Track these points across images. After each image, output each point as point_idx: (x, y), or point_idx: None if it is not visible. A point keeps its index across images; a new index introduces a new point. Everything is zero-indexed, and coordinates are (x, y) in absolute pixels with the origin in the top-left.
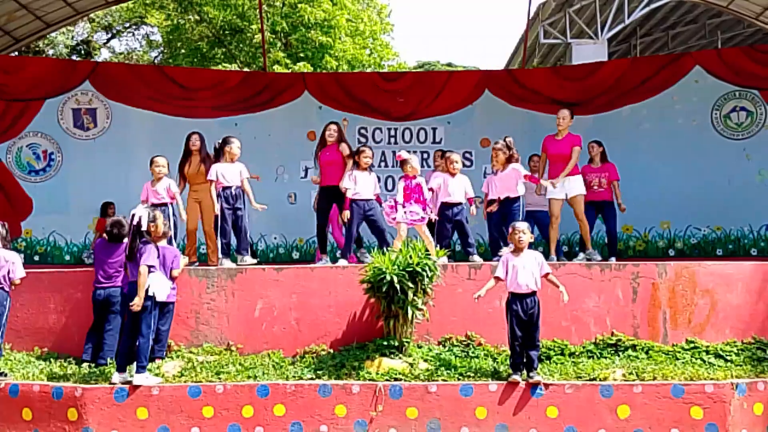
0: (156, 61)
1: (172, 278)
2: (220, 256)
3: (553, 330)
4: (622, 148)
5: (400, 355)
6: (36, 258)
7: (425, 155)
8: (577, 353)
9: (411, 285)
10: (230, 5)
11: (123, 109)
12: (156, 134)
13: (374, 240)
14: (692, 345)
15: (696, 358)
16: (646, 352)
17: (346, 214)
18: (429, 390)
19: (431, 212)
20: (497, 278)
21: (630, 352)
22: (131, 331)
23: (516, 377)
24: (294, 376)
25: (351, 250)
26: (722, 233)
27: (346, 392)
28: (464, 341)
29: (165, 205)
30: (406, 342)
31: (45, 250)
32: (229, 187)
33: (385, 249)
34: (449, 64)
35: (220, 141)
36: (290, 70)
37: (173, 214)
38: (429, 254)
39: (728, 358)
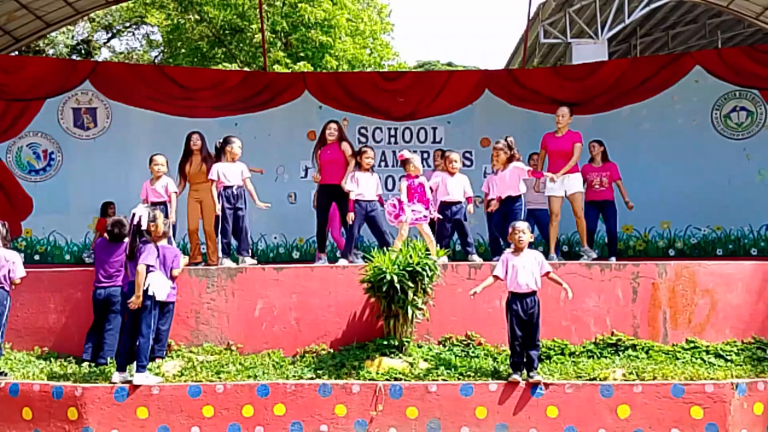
0: (156, 60)
1: (173, 278)
2: (220, 255)
3: (553, 330)
4: (622, 148)
5: (400, 355)
6: (36, 257)
7: (425, 155)
8: (577, 353)
9: (411, 285)
10: (230, 5)
11: (123, 108)
12: (156, 134)
13: (374, 240)
14: (692, 345)
15: (696, 358)
16: (646, 352)
17: (351, 216)
18: (429, 390)
19: (434, 211)
20: (496, 277)
21: (630, 351)
22: (131, 331)
23: (516, 377)
24: (294, 376)
25: (352, 250)
26: (722, 233)
27: (346, 392)
28: (464, 341)
29: (164, 203)
30: (406, 342)
31: (45, 249)
32: (231, 187)
33: (385, 249)
34: (449, 64)
35: (221, 141)
36: (290, 70)
37: (174, 214)
38: (429, 254)
39: (728, 357)
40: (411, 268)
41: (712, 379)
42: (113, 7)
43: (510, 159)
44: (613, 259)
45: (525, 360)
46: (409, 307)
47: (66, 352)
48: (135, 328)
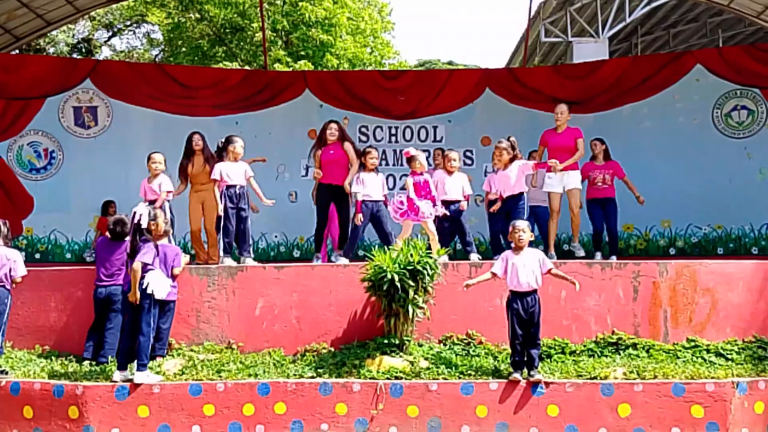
0: (157, 59)
1: (174, 276)
2: (221, 254)
3: (553, 328)
4: (623, 147)
5: (401, 354)
6: (37, 256)
7: (426, 154)
8: (577, 352)
9: (412, 283)
10: (231, 3)
11: (124, 107)
12: (157, 132)
13: (374, 240)
14: (693, 344)
15: (697, 357)
16: (647, 351)
17: (360, 217)
18: (430, 388)
19: (441, 208)
20: (494, 274)
21: (631, 350)
22: (132, 330)
23: (517, 376)
24: (295, 375)
25: (354, 250)
26: (723, 232)
27: (346, 391)
28: (465, 339)
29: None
30: (407, 340)
31: (46, 248)
32: (233, 186)
33: (386, 248)
34: (450, 63)
35: (223, 140)
36: (291, 69)
37: (170, 211)
38: (430, 252)
39: (729, 356)
40: (412, 267)
41: (712, 378)
42: (114, 6)
43: (512, 159)
44: (614, 257)
45: (526, 359)
46: (409, 306)
47: (67, 350)
48: (135, 326)
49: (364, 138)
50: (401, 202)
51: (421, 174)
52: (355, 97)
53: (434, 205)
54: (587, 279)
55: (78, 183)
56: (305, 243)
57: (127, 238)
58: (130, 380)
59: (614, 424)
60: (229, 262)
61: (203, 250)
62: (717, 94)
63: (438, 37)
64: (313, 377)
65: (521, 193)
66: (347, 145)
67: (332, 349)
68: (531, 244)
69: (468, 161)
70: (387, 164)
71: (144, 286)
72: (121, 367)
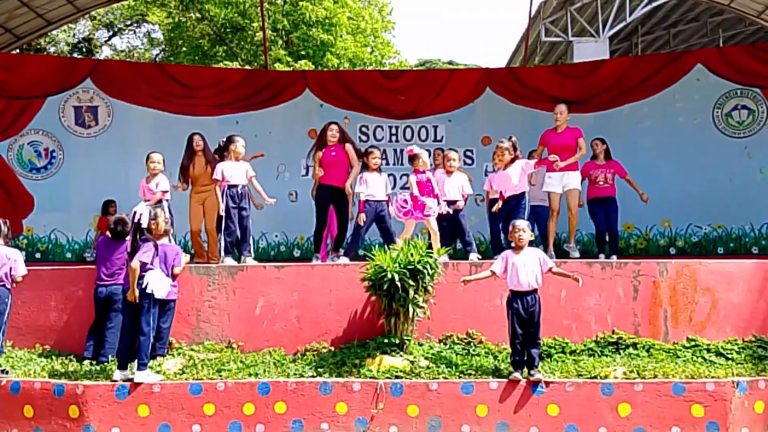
0: (157, 59)
1: (174, 276)
2: (222, 254)
3: (554, 328)
4: (623, 147)
5: (401, 353)
6: (37, 256)
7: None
8: (578, 351)
9: (412, 283)
10: (231, 3)
11: (124, 106)
12: (157, 132)
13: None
14: (693, 343)
15: (697, 357)
16: (647, 351)
17: (363, 216)
18: (430, 388)
19: (444, 205)
20: (493, 272)
21: (631, 350)
22: (131, 329)
23: (517, 375)
24: (295, 374)
25: (357, 250)
26: (723, 231)
27: (347, 390)
28: (465, 339)
29: (159, 201)
30: (407, 340)
31: (46, 247)
32: (235, 186)
33: (386, 247)
34: (450, 62)
35: (224, 140)
36: (291, 68)
37: (169, 211)
38: (431, 251)
39: (729, 356)
40: (412, 267)
41: (712, 377)
42: (114, 5)
43: (513, 160)
44: (614, 257)
45: (526, 358)
46: (410, 305)
47: (67, 350)
48: (135, 326)
49: (364, 138)
50: (405, 201)
51: (424, 172)
52: (355, 96)
53: (439, 203)
54: (587, 278)
55: (78, 182)
56: (305, 242)
57: (128, 238)
58: (131, 379)
59: (614, 423)
60: (229, 261)
61: (202, 249)
62: (717, 93)
63: (438, 37)
64: (313, 377)
65: (522, 193)
66: (348, 147)
67: (332, 349)
68: (531, 243)
69: (468, 161)
70: (387, 164)
71: (143, 286)
72: (122, 366)
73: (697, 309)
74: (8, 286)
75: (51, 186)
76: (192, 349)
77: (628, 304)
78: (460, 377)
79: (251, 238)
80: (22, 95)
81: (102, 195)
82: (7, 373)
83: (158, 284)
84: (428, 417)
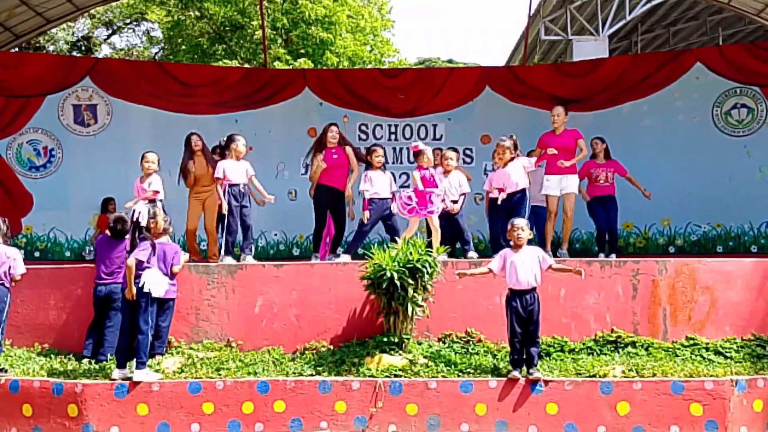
0: (156, 57)
1: (173, 274)
2: (221, 252)
3: (552, 327)
4: (622, 145)
5: (400, 352)
6: (36, 254)
7: None
8: (576, 350)
9: (411, 281)
10: (231, 1)
11: (123, 105)
12: (156, 131)
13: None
14: (692, 342)
15: (696, 355)
16: (646, 349)
17: (367, 214)
18: (429, 386)
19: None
20: (490, 269)
21: (630, 348)
22: (130, 328)
23: (516, 374)
24: (294, 373)
25: (358, 248)
26: (722, 230)
27: (346, 389)
28: (464, 338)
29: (153, 201)
30: (406, 338)
31: (45, 246)
32: (236, 185)
33: (385, 246)
34: (450, 61)
35: (225, 139)
36: (291, 67)
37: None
38: (430, 250)
39: (728, 354)
40: (411, 265)
41: (711, 376)
42: (113, 4)
43: (513, 158)
44: (613, 255)
45: (525, 357)
46: (409, 304)
47: (66, 348)
48: (133, 325)
49: (363, 136)
50: (409, 198)
51: (427, 168)
52: (354, 95)
53: (443, 200)
54: (587, 277)
55: (77, 181)
56: (304, 241)
57: (127, 236)
58: (130, 378)
59: (613, 422)
60: (229, 260)
61: (196, 248)
62: (717, 92)
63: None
64: (312, 375)
65: (524, 190)
66: (349, 150)
67: (331, 347)
68: (530, 243)
69: (468, 159)
70: (387, 162)
71: (140, 285)
72: (121, 365)
73: (696, 308)
74: (7, 285)
75: (50, 185)
76: (191, 348)
77: (627, 302)
78: (459, 376)
79: (252, 236)
80: (21, 94)
81: (101, 193)
82: (6, 371)
83: (155, 283)
84: (427, 415)
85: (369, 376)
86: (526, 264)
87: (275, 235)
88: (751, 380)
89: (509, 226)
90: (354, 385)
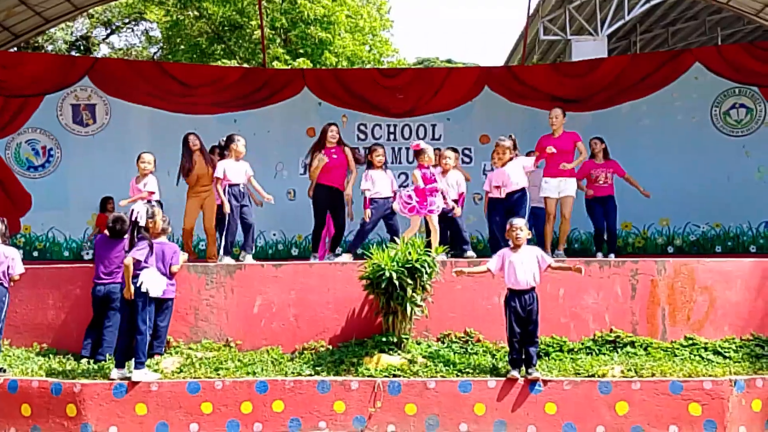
0: (155, 57)
1: (172, 274)
2: (221, 252)
3: (551, 326)
4: (621, 145)
5: (399, 352)
6: (35, 254)
7: None
8: (575, 350)
9: (410, 281)
10: (230, 1)
11: (122, 105)
12: (155, 130)
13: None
14: (691, 342)
15: (694, 355)
16: (645, 349)
17: (368, 213)
18: (428, 386)
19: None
20: (488, 269)
21: (628, 348)
22: (128, 328)
23: (515, 374)
24: (293, 373)
25: (358, 247)
26: (721, 230)
27: (344, 388)
28: (463, 337)
29: (149, 202)
30: (405, 338)
31: (44, 246)
32: (236, 185)
33: (384, 246)
34: (449, 61)
35: (224, 139)
36: (290, 67)
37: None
38: (429, 249)
39: (727, 354)
40: (410, 265)
41: (710, 375)
42: (112, 3)
43: (512, 159)
44: (612, 255)
45: (524, 357)
46: (407, 304)
47: (65, 348)
48: (132, 325)
49: (362, 136)
50: (409, 197)
51: (428, 167)
52: (353, 95)
53: (444, 200)
54: (585, 277)
55: (76, 181)
56: (303, 241)
57: (126, 236)
58: (128, 378)
59: (612, 422)
60: (228, 260)
61: (191, 248)
62: (716, 92)
63: (437, 35)
64: (311, 375)
65: (523, 188)
66: (348, 150)
67: (330, 347)
68: (529, 243)
69: (467, 159)
70: (385, 162)
71: (138, 284)
72: (119, 365)
73: (695, 307)
74: (6, 285)
75: (49, 184)
76: (190, 348)
77: (626, 302)
78: (458, 376)
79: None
80: (20, 93)
81: (100, 193)
82: (4, 371)
83: (153, 282)
84: (426, 415)
85: (368, 376)
86: (524, 264)
87: (274, 235)
88: (750, 380)
89: (508, 226)
90: (353, 385)
